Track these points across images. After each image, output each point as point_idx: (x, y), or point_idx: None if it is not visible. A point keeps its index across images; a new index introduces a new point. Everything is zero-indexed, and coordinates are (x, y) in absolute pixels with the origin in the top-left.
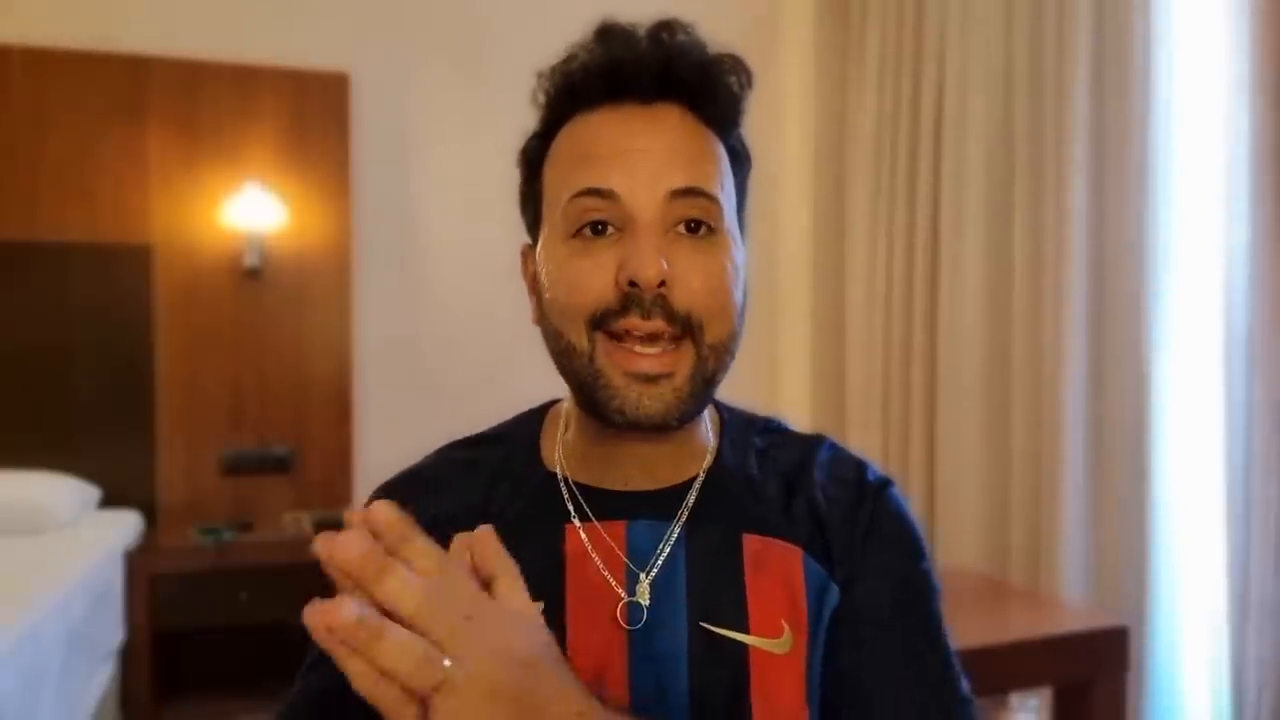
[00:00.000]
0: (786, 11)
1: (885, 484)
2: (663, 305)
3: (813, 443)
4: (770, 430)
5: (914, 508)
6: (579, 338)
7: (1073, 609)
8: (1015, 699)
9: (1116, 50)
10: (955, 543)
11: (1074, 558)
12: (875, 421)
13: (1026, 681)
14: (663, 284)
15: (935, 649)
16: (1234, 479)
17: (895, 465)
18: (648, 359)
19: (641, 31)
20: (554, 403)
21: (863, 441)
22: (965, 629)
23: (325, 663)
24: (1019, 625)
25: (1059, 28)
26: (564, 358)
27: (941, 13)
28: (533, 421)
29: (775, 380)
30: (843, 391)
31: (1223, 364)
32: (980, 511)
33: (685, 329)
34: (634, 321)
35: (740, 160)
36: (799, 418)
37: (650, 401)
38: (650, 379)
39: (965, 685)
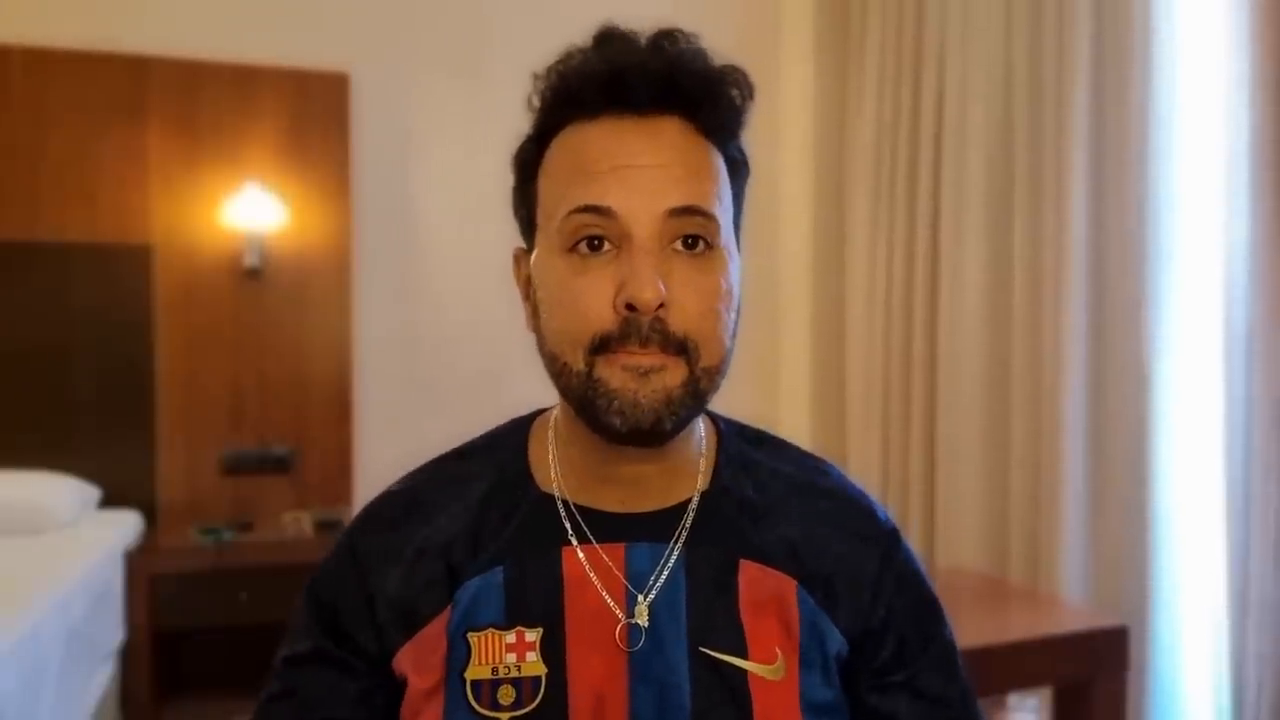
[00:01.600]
0: (787, 19)
1: (896, 533)
2: (659, 329)
3: (817, 466)
4: (765, 443)
5: (914, 508)
6: (575, 360)
7: (1073, 609)
8: (1015, 699)
9: (1116, 57)
10: (955, 543)
11: (1074, 558)
12: (875, 422)
13: (1026, 681)
14: (660, 306)
15: (956, 684)
16: (1234, 478)
17: (895, 465)
18: (641, 356)
19: (642, 39)
20: (538, 414)
21: (863, 443)
22: (965, 629)
23: (280, 700)
24: (1019, 625)
25: (1058, 35)
26: (560, 378)
27: (941, 21)
28: (519, 434)
29: (775, 385)
30: (843, 397)
31: (1223, 363)
32: (980, 512)
33: (680, 351)
34: (632, 349)
35: (739, 169)
36: (799, 423)
37: (645, 399)
38: (644, 373)
39: (980, 710)
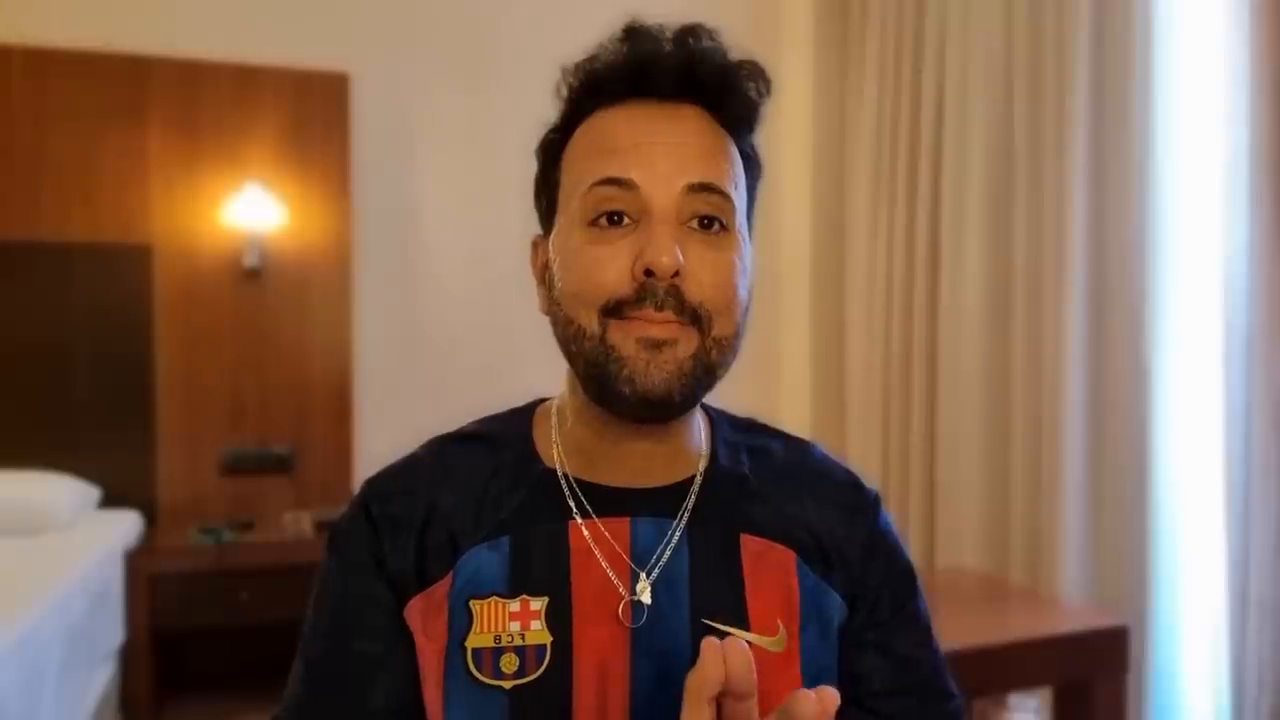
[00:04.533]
0: (787, 12)
1: (877, 499)
2: (675, 296)
3: (801, 445)
4: (754, 430)
5: (914, 508)
6: (589, 322)
7: (1073, 609)
8: (1015, 699)
9: (1116, 50)
10: (955, 543)
11: (1074, 558)
12: (875, 421)
13: (1026, 681)
14: (677, 274)
15: (926, 650)
16: (1234, 478)
17: (895, 465)
18: (656, 326)
19: (667, 33)
20: (539, 401)
21: (863, 441)
22: (965, 629)
23: (324, 685)
24: (1019, 625)
25: (1058, 28)
26: (573, 342)
27: (941, 14)
28: (522, 419)
29: (776, 380)
30: (843, 391)
31: (1222, 364)
32: (980, 511)
33: (694, 320)
34: (647, 312)
35: (752, 165)
36: (799, 418)
37: (656, 370)
38: (657, 345)
39: (951, 682)
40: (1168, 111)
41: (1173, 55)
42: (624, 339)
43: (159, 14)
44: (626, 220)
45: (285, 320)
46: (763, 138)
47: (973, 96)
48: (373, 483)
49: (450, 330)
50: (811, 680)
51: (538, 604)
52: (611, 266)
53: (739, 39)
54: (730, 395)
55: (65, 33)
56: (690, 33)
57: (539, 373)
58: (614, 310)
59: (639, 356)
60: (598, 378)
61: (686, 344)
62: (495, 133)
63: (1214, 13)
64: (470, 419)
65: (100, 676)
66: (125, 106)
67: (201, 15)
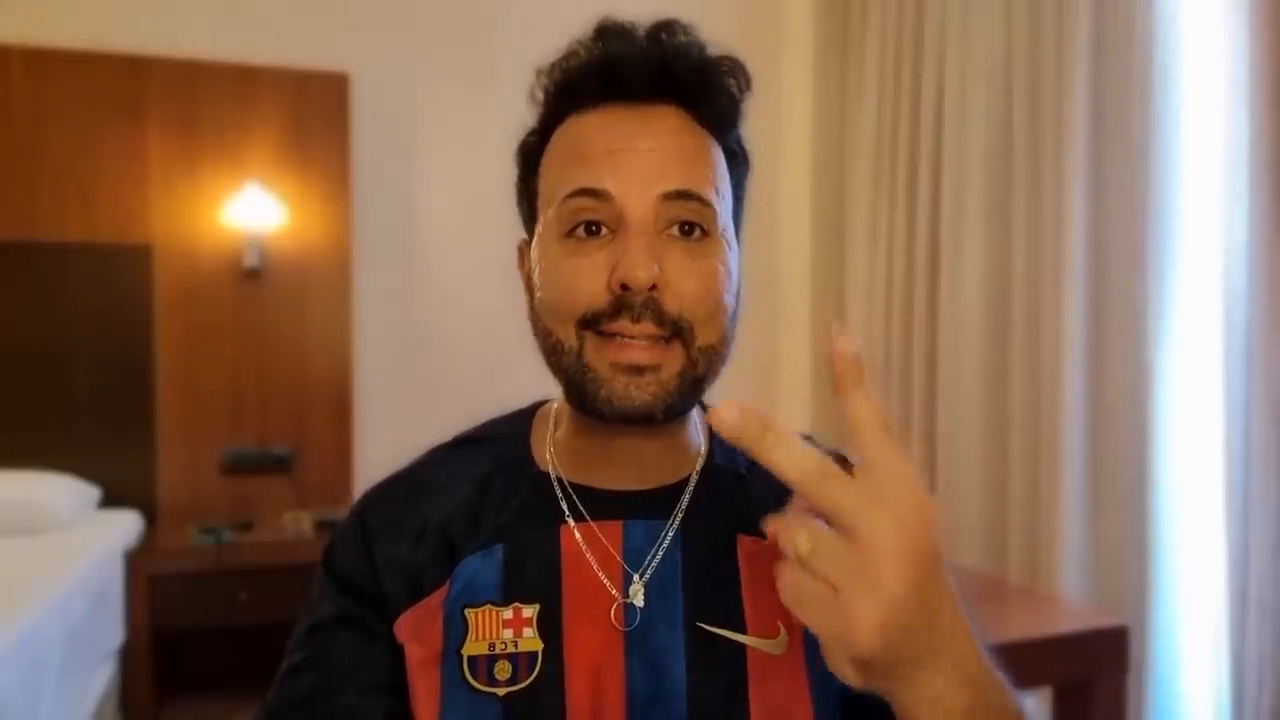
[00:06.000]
0: (786, 12)
1: None
2: (653, 308)
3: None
4: None
5: None
6: (567, 336)
7: (1073, 609)
8: None
9: (1116, 51)
10: (955, 542)
11: (1074, 558)
12: None
13: (1026, 681)
14: (654, 287)
15: None
16: (1234, 479)
17: None
18: (636, 350)
19: (641, 31)
20: (542, 403)
21: None
22: None
23: (304, 669)
24: (1019, 625)
25: (1058, 32)
26: (553, 355)
27: (941, 18)
28: (522, 421)
29: (776, 385)
30: None
31: (1222, 363)
32: (980, 511)
33: (675, 332)
34: (624, 325)
35: (738, 162)
36: (799, 418)
37: (637, 392)
38: (637, 369)
39: None
40: (1167, 114)
41: (1173, 58)
42: (600, 359)
43: (159, 14)
44: (604, 230)
45: (285, 320)
46: (762, 138)
47: (972, 100)
48: (370, 493)
49: (450, 330)
50: (819, 678)
51: (529, 611)
52: (587, 279)
53: (738, 42)
54: (730, 395)
55: (65, 33)
56: (665, 28)
57: (539, 373)
58: (590, 323)
59: (616, 379)
60: (577, 393)
61: (671, 364)
62: (495, 132)
63: (1214, 16)
64: (470, 419)
65: (100, 676)
66: (125, 106)
67: (201, 15)
